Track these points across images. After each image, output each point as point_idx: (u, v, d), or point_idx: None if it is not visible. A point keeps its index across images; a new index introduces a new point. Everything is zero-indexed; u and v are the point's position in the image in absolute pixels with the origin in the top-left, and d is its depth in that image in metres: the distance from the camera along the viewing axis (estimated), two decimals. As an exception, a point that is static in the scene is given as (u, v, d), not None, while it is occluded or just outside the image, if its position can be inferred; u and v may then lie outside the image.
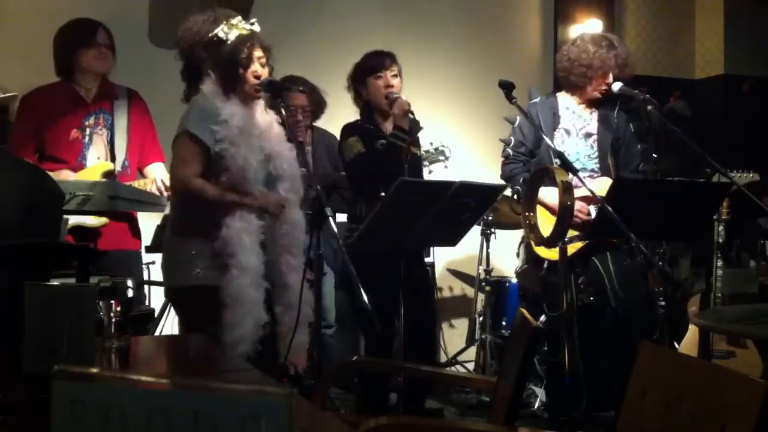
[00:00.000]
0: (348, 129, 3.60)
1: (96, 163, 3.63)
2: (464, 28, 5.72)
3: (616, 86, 3.64)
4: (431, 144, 3.86)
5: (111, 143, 3.68)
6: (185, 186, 2.88)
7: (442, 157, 3.78)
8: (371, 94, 3.57)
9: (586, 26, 5.99)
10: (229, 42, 2.84)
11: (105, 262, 3.55)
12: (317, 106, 4.22)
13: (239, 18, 2.92)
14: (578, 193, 3.41)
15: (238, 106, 2.87)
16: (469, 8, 5.79)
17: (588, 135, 3.74)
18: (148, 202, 3.55)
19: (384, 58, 3.57)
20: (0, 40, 4.42)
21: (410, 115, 3.59)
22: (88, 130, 3.64)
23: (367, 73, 3.57)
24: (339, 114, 4.17)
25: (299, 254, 2.97)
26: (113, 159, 3.66)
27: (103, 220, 3.58)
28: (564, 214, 3.07)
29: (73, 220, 3.54)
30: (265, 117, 2.98)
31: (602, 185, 3.39)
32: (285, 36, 5.14)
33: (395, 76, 3.55)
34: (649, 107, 3.54)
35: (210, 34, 2.85)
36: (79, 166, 3.61)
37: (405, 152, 3.54)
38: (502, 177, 3.84)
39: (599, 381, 3.62)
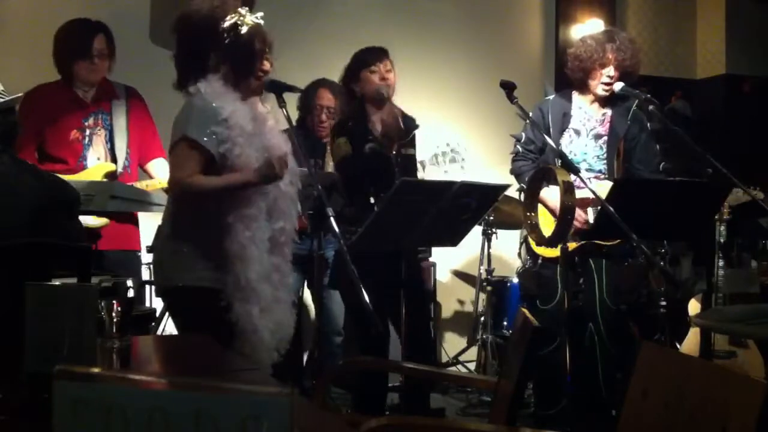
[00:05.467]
0: (338, 129, 3.60)
1: (97, 164, 3.64)
2: (465, 28, 5.72)
3: (618, 86, 3.63)
4: (447, 145, 3.79)
5: (111, 144, 3.68)
6: (185, 187, 2.76)
7: (458, 157, 3.72)
8: (365, 88, 3.56)
9: (588, 26, 5.99)
10: (243, 33, 2.80)
11: (105, 262, 3.56)
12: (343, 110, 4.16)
13: (247, 9, 2.86)
14: (580, 194, 3.41)
15: (238, 103, 2.78)
16: (470, 8, 5.79)
17: (598, 136, 3.72)
18: (149, 202, 3.56)
19: (379, 53, 3.58)
20: (1, 38, 4.42)
21: (404, 113, 3.60)
22: (87, 131, 3.64)
23: (361, 66, 3.57)
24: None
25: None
26: (114, 160, 3.66)
27: (104, 220, 3.58)
28: (565, 215, 3.07)
29: None
30: (261, 111, 2.94)
31: (606, 187, 3.38)
32: (285, 36, 5.14)
33: (389, 71, 3.55)
34: (651, 107, 3.53)
35: (226, 23, 2.80)
36: (79, 167, 3.62)
37: (396, 155, 3.54)
38: (511, 172, 3.86)
39: (590, 380, 3.62)
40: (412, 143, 3.68)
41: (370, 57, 3.57)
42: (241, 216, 2.69)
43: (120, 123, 3.69)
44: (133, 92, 3.80)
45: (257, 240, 2.71)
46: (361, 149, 3.46)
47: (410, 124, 3.68)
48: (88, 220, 3.52)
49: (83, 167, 3.62)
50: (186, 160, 2.74)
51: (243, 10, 2.82)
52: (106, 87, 3.72)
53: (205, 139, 2.70)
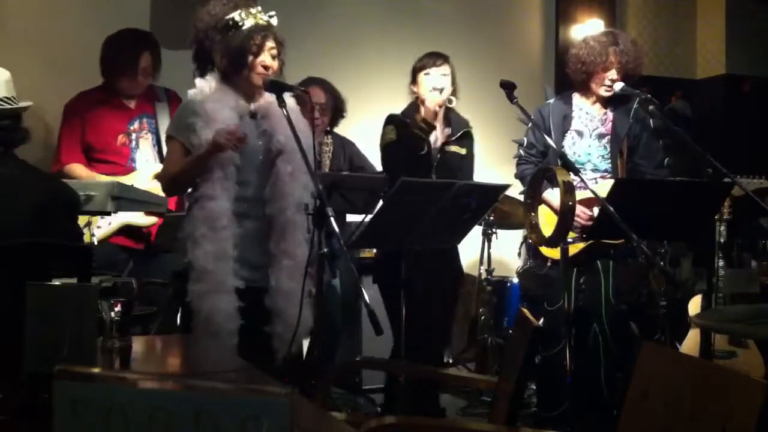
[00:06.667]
0: (387, 118, 3.80)
1: (147, 166, 3.72)
2: (465, 28, 5.71)
3: (618, 86, 3.62)
4: None
5: (158, 146, 3.80)
6: (163, 178, 2.98)
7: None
8: (418, 90, 3.73)
9: (588, 26, 5.99)
10: (243, 28, 2.84)
11: (157, 261, 3.61)
12: (335, 107, 4.11)
13: (259, 8, 2.91)
14: (583, 194, 3.40)
15: (224, 95, 2.85)
16: (471, 8, 5.78)
17: (602, 136, 3.72)
18: (150, 202, 3.57)
19: (435, 57, 3.72)
20: (3, 41, 4.42)
21: (457, 113, 3.77)
22: (134, 135, 3.79)
23: (418, 69, 3.73)
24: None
25: (303, 243, 2.86)
26: (162, 161, 3.76)
27: (153, 219, 3.63)
28: (565, 215, 3.07)
29: (122, 218, 3.58)
30: (267, 101, 2.95)
31: (608, 186, 3.37)
32: (285, 36, 5.13)
33: (445, 75, 3.68)
34: (651, 107, 3.52)
35: (226, 17, 2.85)
36: (129, 168, 3.75)
37: (438, 149, 3.69)
38: (516, 176, 3.88)
39: (593, 380, 3.62)
40: (459, 143, 3.79)
41: (427, 61, 3.72)
42: (200, 195, 2.81)
43: (165, 125, 3.78)
44: (173, 94, 3.93)
45: (212, 218, 2.78)
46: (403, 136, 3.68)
47: (459, 123, 3.80)
48: (138, 219, 3.58)
49: (132, 169, 3.73)
50: (169, 156, 2.96)
51: (254, 9, 2.87)
52: (147, 90, 3.82)
53: (179, 130, 2.86)
